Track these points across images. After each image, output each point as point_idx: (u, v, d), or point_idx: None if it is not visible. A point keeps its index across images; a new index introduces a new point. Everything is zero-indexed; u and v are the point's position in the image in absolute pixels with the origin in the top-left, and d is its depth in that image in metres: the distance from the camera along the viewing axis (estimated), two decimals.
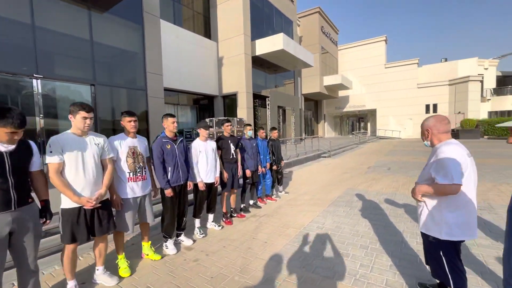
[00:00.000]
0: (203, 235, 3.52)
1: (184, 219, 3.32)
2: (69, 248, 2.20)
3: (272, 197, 5.33)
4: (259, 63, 15.42)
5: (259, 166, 4.67)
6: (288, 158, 9.72)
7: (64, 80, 6.77)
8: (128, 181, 2.63)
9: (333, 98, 27.75)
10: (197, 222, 3.59)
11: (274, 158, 5.32)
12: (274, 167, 5.31)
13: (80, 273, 2.62)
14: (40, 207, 2.03)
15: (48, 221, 2.04)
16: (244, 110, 13.82)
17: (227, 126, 3.95)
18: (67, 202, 2.14)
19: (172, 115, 3.10)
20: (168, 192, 2.97)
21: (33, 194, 2.00)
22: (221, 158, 3.92)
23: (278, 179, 5.56)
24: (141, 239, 2.99)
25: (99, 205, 2.27)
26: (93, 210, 2.26)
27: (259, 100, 15.74)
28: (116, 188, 2.58)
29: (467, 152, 1.78)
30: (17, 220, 1.83)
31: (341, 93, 28.57)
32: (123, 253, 2.69)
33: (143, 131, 8.69)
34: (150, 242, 2.98)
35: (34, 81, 6.18)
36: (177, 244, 3.26)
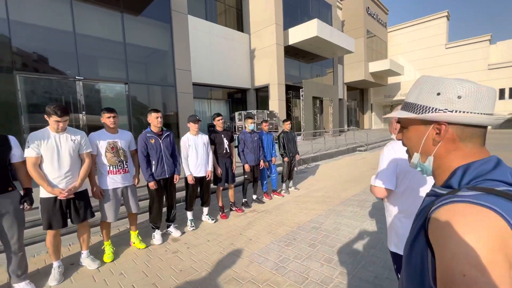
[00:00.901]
0: (193, 227, 3.59)
1: (173, 211, 3.42)
2: (50, 233, 2.47)
3: (281, 192, 5.15)
4: (293, 52, 14.89)
5: (262, 161, 4.52)
6: (316, 152, 9.27)
7: (102, 80, 7.55)
8: (108, 174, 2.80)
9: (381, 86, 25.32)
10: (189, 214, 3.67)
11: (285, 151, 5.10)
12: (286, 159, 5.09)
13: (71, 256, 2.92)
14: (22, 194, 2.30)
15: (28, 206, 2.30)
16: (275, 102, 13.59)
17: (218, 120, 3.90)
18: (44, 192, 2.38)
19: (156, 110, 3.19)
20: (151, 184, 3.09)
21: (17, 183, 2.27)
22: (214, 152, 3.91)
23: (289, 173, 5.33)
24: (129, 228, 3.18)
25: (72, 196, 2.46)
26: (68, 200, 2.47)
27: (292, 91, 15.28)
28: (97, 180, 2.78)
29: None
30: None
31: (391, 80, 25.85)
32: (109, 240, 2.91)
33: (173, 125, 9.23)
34: (137, 231, 3.16)
35: (77, 82, 7.03)
36: (165, 235, 3.39)
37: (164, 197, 3.35)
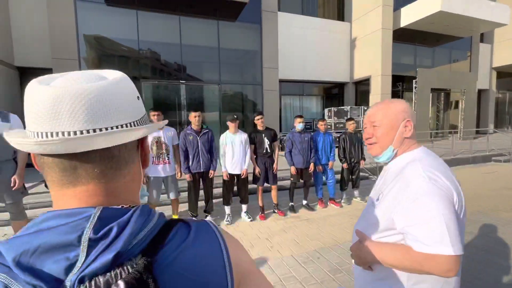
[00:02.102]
0: (228, 222, 3.74)
1: (209, 203, 3.68)
2: None
3: (340, 202, 4.52)
4: (407, 36, 12.40)
5: (312, 164, 4.11)
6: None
7: (199, 83, 8.89)
8: (153, 164, 3.34)
9: None
10: (226, 209, 3.84)
11: (344, 156, 4.44)
12: (344, 165, 4.44)
13: None
14: None
15: None
16: (377, 97, 11.80)
17: (258, 119, 3.82)
18: None
19: (195, 110, 3.50)
20: (187, 176, 3.45)
21: None
22: (254, 152, 3.88)
23: (353, 181, 4.60)
24: (172, 213, 3.68)
25: None
26: None
27: (403, 83, 12.79)
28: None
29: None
30: None
31: None
32: None
33: None
34: (177, 216, 3.61)
35: (181, 85, 8.60)
36: None
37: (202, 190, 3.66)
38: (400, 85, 12.77)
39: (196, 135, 3.49)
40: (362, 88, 13.00)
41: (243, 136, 3.74)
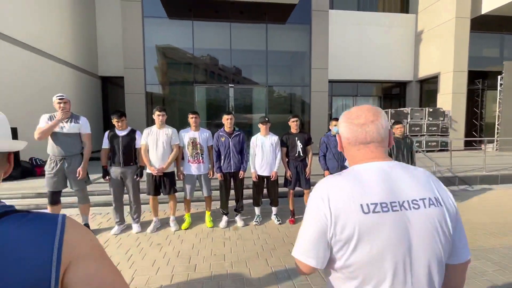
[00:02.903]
0: (257, 223, 3.79)
1: (239, 202, 3.80)
2: (150, 198, 3.63)
3: None
4: (490, 24, 10.46)
5: None
6: (499, 170, 6.25)
7: (247, 85, 9.19)
8: (188, 162, 3.63)
9: None
10: (256, 210, 3.90)
11: None
12: None
13: (165, 218, 4.05)
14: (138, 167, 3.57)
15: (139, 177, 3.54)
16: (447, 97, 10.28)
17: (293, 122, 3.75)
18: (148, 169, 3.53)
19: (228, 113, 3.66)
20: (218, 176, 3.64)
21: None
22: (286, 155, 3.84)
23: None
24: (205, 209, 3.92)
25: (161, 174, 3.47)
26: (160, 176, 3.51)
27: (484, 79, 10.82)
28: (181, 166, 3.68)
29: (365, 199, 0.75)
30: (123, 172, 3.45)
31: None
32: (189, 213, 3.79)
33: (305, 124, 9.54)
34: (209, 212, 3.84)
35: (230, 89, 9.04)
36: (232, 222, 3.85)
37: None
38: (480, 82, 10.82)
39: (228, 137, 3.65)
40: (428, 87, 11.48)
41: (274, 138, 3.75)
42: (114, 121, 3.40)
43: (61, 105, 3.20)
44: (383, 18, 11.50)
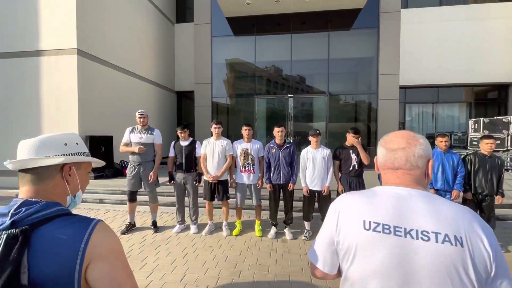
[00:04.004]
0: (306, 238, 3.70)
1: (288, 215, 3.78)
2: (206, 202, 3.95)
3: None
4: None
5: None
6: None
7: (306, 95, 9.10)
8: (240, 172, 3.83)
9: None
10: (306, 224, 3.80)
11: (469, 184, 3.40)
12: (467, 195, 3.40)
13: (219, 222, 4.30)
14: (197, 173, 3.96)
15: (198, 183, 3.92)
16: None
17: (352, 136, 3.52)
18: (205, 177, 3.88)
19: (279, 125, 3.73)
20: (268, 186, 3.72)
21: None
22: (339, 169, 3.64)
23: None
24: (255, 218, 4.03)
25: (216, 181, 3.76)
26: (215, 183, 3.81)
27: None
28: (234, 175, 3.91)
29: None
30: (185, 177, 3.88)
31: None
32: (240, 220, 3.97)
33: (372, 134, 8.82)
34: (259, 221, 3.93)
35: (288, 99, 9.11)
36: (281, 234, 3.85)
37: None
38: None
39: (278, 149, 3.71)
40: None
41: (326, 151, 3.62)
42: (178, 132, 3.89)
43: (141, 119, 3.85)
44: (473, 11, 9.80)
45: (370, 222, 0.75)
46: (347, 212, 0.80)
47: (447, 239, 0.67)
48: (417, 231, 0.70)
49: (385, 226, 0.73)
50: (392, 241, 0.70)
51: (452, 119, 10.97)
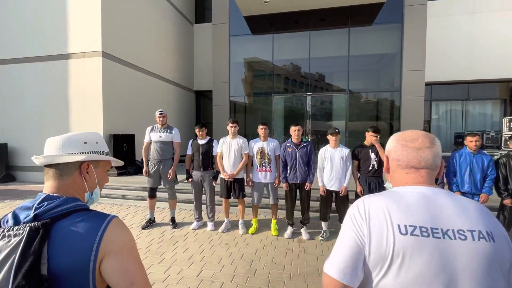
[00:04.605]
0: (323, 238, 3.62)
1: (304, 215, 3.72)
2: (223, 200, 3.99)
3: None
4: None
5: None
6: None
7: (325, 93, 8.91)
8: (256, 171, 3.82)
9: None
10: (323, 225, 3.72)
11: (506, 188, 3.16)
12: (507, 201, 3.15)
13: (235, 220, 4.31)
14: (214, 172, 4.00)
15: (214, 181, 3.96)
16: None
17: (372, 136, 3.39)
18: (221, 175, 3.92)
19: (295, 124, 3.67)
20: (284, 185, 3.68)
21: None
22: (358, 169, 3.52)
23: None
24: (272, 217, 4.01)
25: (232, 179, 3.78)
26: (231, 182, 3.83)
27: None
28: (251, 173, 3.91)
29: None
30: (202, 175, 3.94)
31: None
32: (256, 218, 3.97)
33: (395, 132, 8.46)
34: (275, 220, 3.91)
35: (307, 97, 8.96)
36: (297, 234, 3.80)
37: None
38: None
39: (295, 148, 3.66)
40: None
41: (345, 151, 3.51)
42: (196, 130, 3.95)
43: (160, 118, 3.95)
44: (507, 0, 9.08)
45: (405, 226, 0.69)
46: (377, 218, 0.72)
47: (481, 235, 0.67)
48: (453, 230, 0.68)
49: (422, 229, 0.68)
50: (432, 244, 0.66)
51: (485, 117, 10.26)
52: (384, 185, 0.99)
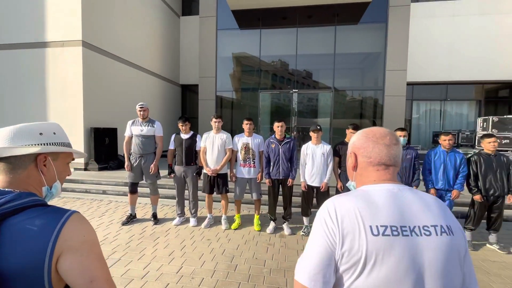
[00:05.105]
0: (304, 234, 3.69)
1: (287, 210, 3.78)
2: (206, 195, 3.97)
3: None
4: None
5: (414, 187, 3.34)
6: None
7: (311, 90, 9.00)
8: (240, 166, 3.83)
9: None
10: (305, 220, 3.79)
11: (476, 185, 3.33)
12: (477, 197, 3.32)
13: (218, 216, 4.32)
14: (198, 167, 3.97)
15: (198, 177, 3.93)
16: None
17: (351, 132, 3.48)
18: (205, 170, 3.89)
19: (279, 120, 3.69)
20: (267, 181, 3.71)
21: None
22: (339, 165, 3.60)
23: (490, 220, 3.36)
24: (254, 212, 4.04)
25: (215, 175, 3.77)
26: (214, 177, 3.82)
27: None
28: (234, 168, 3.91)
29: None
30: (184, 170, 3.90)
31: None
32: (239, 214, 3.99)
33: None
34: (258, 216, 3.93)
35: (293, 94, 9.02)
36: (279, 229, 3.85)
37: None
38: None
39: (278, 144, 3.68)
40: None
41: (326, 147, 3.58)
42: (179, 125, 3.89)
43: (141, 112, 3.86)
44: (486, 5, 9.47)
45: (377, 226, 0.68)
46: (350, 219, 0.70)
47: (443, 230, 0.70)
48: (419, 227, 0.69)
49: (393, 228, 0.68)
50: (401, 243, 0.67)
51: (461, 117, 10.72)
52: (347, 185, 0.96)
